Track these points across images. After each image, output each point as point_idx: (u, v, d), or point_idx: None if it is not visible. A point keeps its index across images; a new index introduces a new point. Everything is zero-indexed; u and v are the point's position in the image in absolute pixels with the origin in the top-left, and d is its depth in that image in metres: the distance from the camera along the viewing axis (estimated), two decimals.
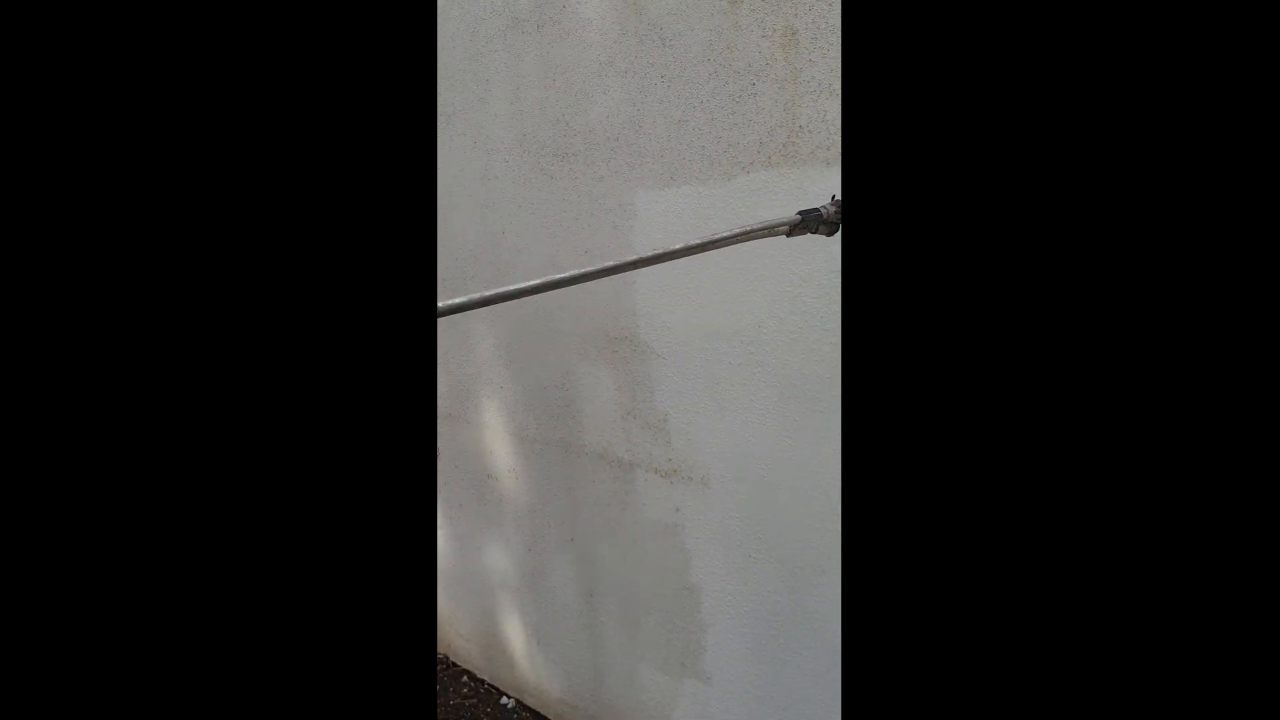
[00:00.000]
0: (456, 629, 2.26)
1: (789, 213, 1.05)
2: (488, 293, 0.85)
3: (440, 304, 0.72)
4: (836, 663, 1.38)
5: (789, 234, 1.01)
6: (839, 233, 1.04)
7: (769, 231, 0.99)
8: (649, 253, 0.93)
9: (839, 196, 1.05)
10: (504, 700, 2.13)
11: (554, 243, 1.59)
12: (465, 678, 2.23)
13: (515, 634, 2.04)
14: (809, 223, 1.01)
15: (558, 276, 0.89)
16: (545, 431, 1.75)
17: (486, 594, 2.07)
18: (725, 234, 0.96)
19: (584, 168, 1.49)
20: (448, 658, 2.33)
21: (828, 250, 1.20)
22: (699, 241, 0.95)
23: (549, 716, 2.02)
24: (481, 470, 1.94)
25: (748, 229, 0.96)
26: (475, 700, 2.15)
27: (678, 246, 0.94)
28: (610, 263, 0.91)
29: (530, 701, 2.07)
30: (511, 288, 0.85)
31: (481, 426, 1.90)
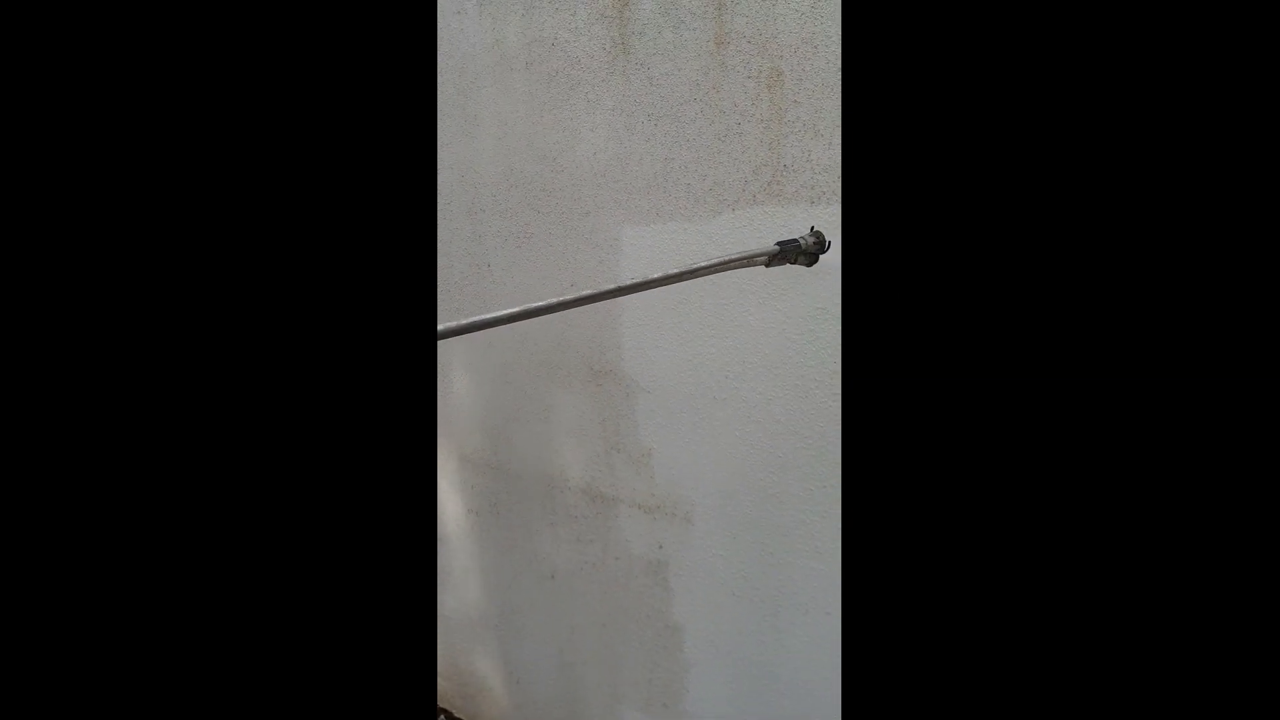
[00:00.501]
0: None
1: (768, 245, 1.08)
2: (477, 317, 0.87)
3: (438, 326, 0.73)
4: (820, 703, 1.36)
5: (768, 264, 1.04)
6: (817, 264, 1.06)
7: (748, 261, 1.01)
8: (628, 281, 0.97)
9: (817, 228, 1.08)
10: None
11: (540, 276, 1.59)
12: (442, 716, 2.19)
13: (493, 671, 2.01)
14: (788, 253, 1.04)
15: (543, 303, 0.91)
16: (528, 465, 1.74)
17: (465, 630, 2.04)
18: (704, 263, 0.99)
19: (571, 203, 1.50)
20: None
21: (812, 287, 1.21)
22: (678, 271, 0.98)
23: None
24: (464, 505, 1.93)
25: (727, 259, 0.99)
26: None
27: (656, 275, 0.97)
28: (592, 290, 0.94)
29: None
30: (500, 313, 0.87)
31: (464, 460, 1.89)
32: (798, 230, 1.18)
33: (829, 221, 1.17)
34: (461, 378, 1.82)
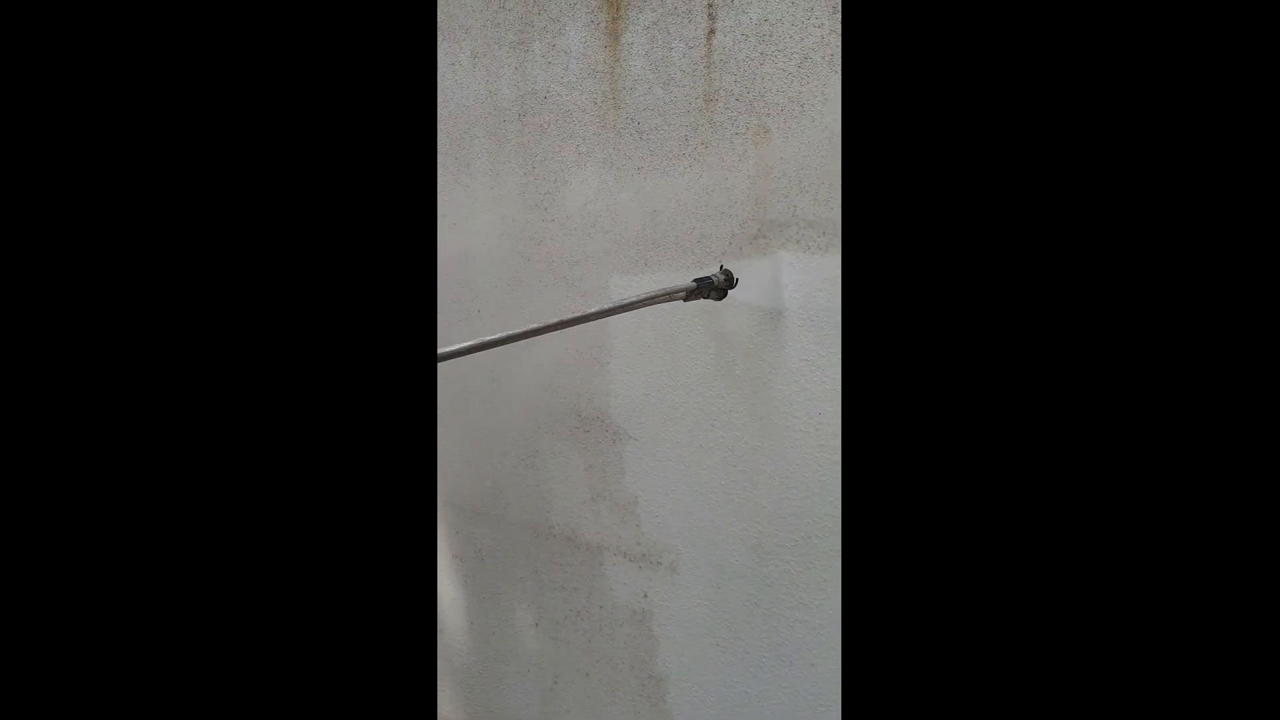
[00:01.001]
0: None
1: (754, 298, 1.26)
2: (464, 344, 1.05)
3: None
4: None
5: (685, 299, 1.24)
6: (726, 299, 1.27)
7: (668, 296, 1.22)
8: (571, 315, 1.18)
9: (725, 267, 1.28)
10: None
11: (530, 323, 1.60)
12: None
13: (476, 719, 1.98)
14: (702, 289, 1.25)
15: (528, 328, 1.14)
16: (513, 512, 1.74)
17: (448, 676, 2.02)
18: (633, 298, 1.20)
19: (560, 252, 1.52)
20: None
21: (798, 340, 1.23)
22: (612, 305, 1.20)
23: None
24: (448, 551, 1.92)
25: (652, 294, 1.22)
26: None
27: (592, 310, 1.19)
28: (537, 324, 1.16)
29: None
30: (486, 338, 1.09)
31: (449, 505, 1.88)
32: (783, 282, 1.21)
33: (815, 274, 1.19)
34: (448, 422, 1.83)
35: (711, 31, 1.27)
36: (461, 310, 1.73)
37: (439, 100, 1.68)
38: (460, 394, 1.78)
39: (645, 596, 1.52)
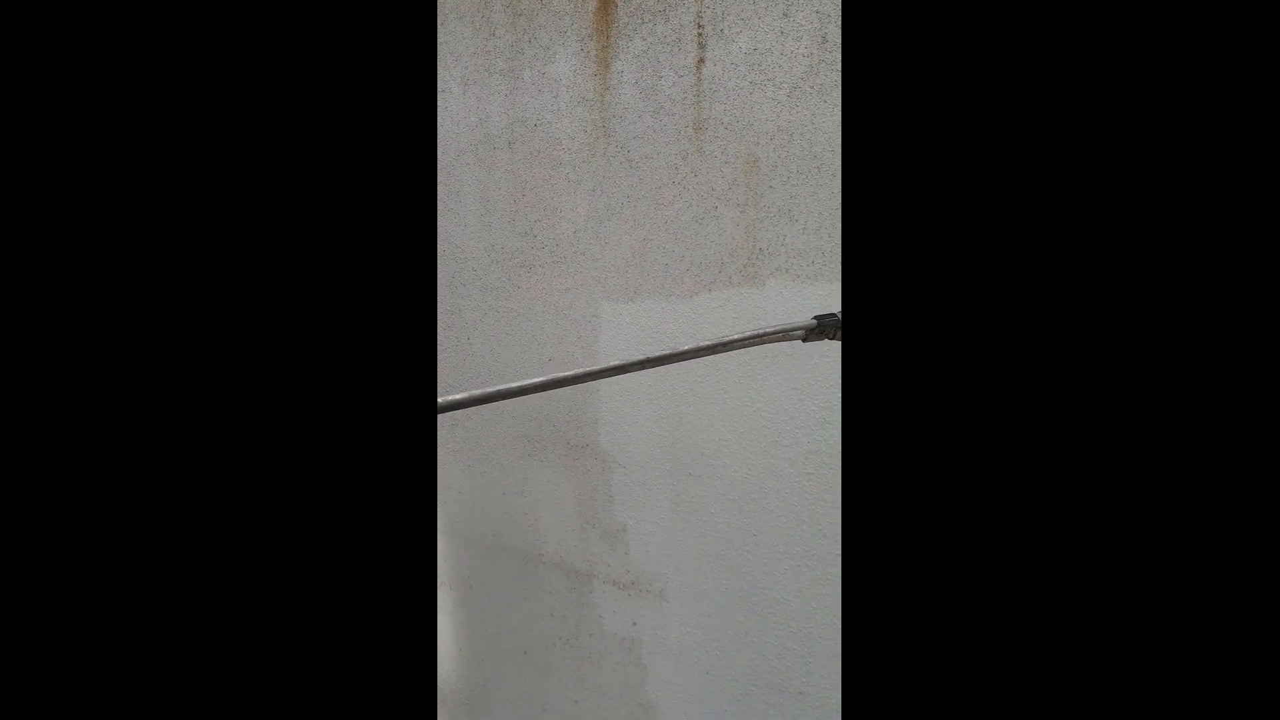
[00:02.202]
0: None
1: (753, 325, 1.12)
2: (478, 392, 0.86)
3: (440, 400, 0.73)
4: None
5: (804, 339, 1.04)
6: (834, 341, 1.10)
7: (784, 336, 1.02)
8: (657, 353, 0.95)
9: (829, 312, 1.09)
10: None
11: (519, 350, 1.60)
12: None
13: None
14: (825, 328, 1.05)
15: (561, 375, 0.88)
16: (503, 539, 1.73)
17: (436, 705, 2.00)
18: (736, 336, 0.98)
19: (550, 279, 1.52)
20: None
21: (788, 368, 1.23)
22: (710, 343, 0.97)
23: None
24: (438, 578, 1.90)
25: (762, 332, 0.99)
26: None
27: (687, 347, 0.96)
28: (614, 363, 0.93)
29: None
30: (510, 385, 0.85)
31: (438, 533, 1.87)
32: (773, 311, 1.21)
33: (804, 302, 1.19)
34: (442, 449, 1.82)
35: (701, 60, 1.28)
36: (452, 338, 1.73)
37: None
38: (450, 421, 1.77)
39: (634, 624, 1.51)
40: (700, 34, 1.28)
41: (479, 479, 1.75)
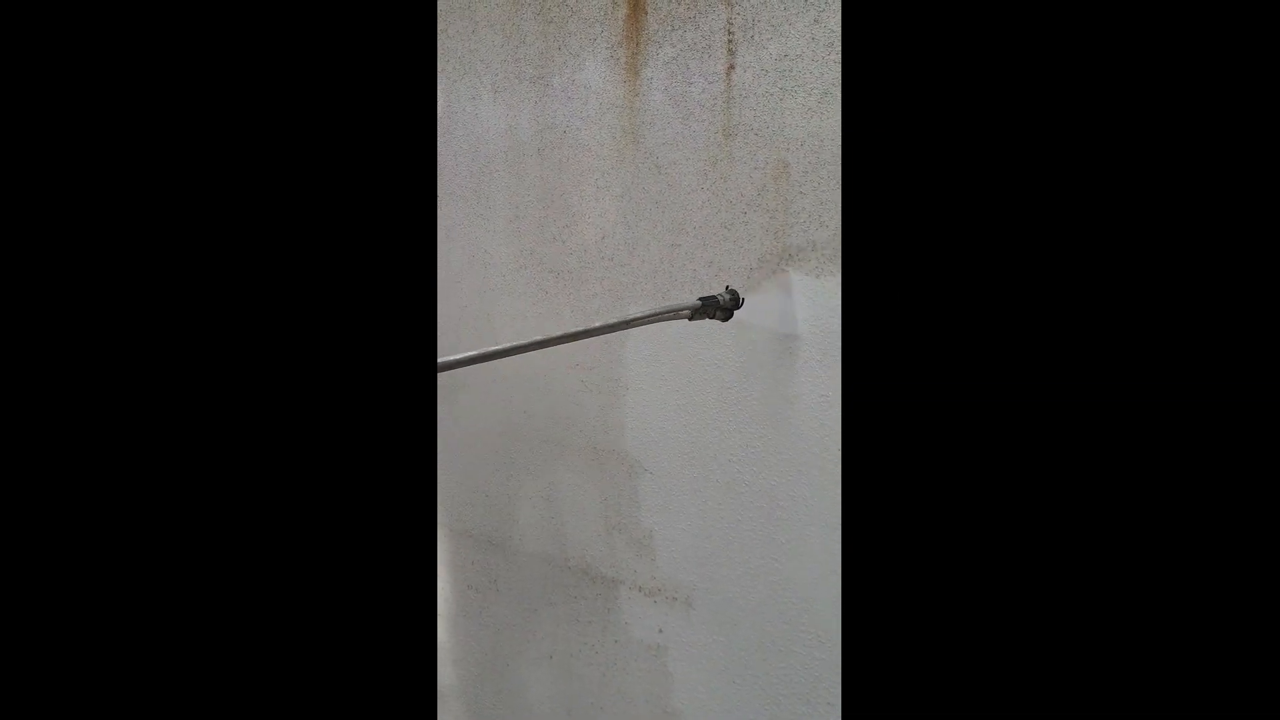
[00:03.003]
0: None
1: (773, 328, 1.26)
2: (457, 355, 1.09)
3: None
4: None
5: (690, 318, 1.24)
6: (730, 319, 1.27)
7: (674, 314, 1.23)
8: (576, 329, 1.21)
9: (731, 286, 1.29)
10: None
11: (545, 354, 1.61)
12: None
13: None
14: (708, 308, 1.24)
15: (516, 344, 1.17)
16: (527, 543, 1.73)
17: (460, 706, 2.01)
18: (639, 315, 1.21)
19: (578, 285, 1.52)
20: None
21: (818, 376, 1.23)
22: (617, 321, 1.21)
23: None
24: (463, 582, 1.91)
25: (657, 311, 1.22)
26: None
27: (596, 325, 1.21)
28: (538, 337, 1.18)
29: None
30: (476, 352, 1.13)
31: (463, 535, 1.88)
32: (800, 317, 1.21)
33: (833, 309, 1.19)
34: (464, 453, 1.83)
35: (731, 67, 1.28)
36: (480, 344, 1.73)
37: (458, 135, 1.70)
38: (476, 425, 1.78)
39: (660, 631, 1.51)
40: (730, 40, 1.28)
41: (505, 483, 1.75)
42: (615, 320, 1.20)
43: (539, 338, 1.16)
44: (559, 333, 1.18)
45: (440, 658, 2.05)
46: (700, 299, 1.24)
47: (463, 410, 1.80)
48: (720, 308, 1.25)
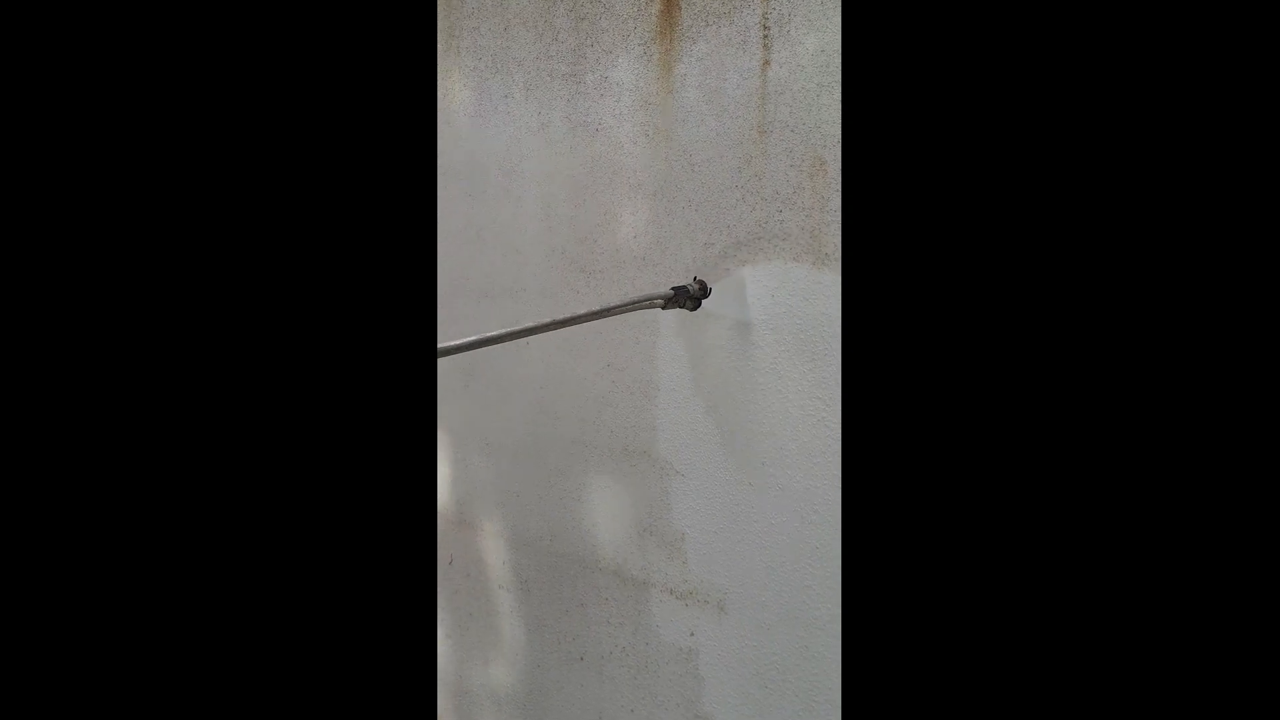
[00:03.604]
0: None
1: (806, 329, 1.11)
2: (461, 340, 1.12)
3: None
4: None
5: (664, 306, 1.33)
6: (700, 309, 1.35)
7: (649, 303, 1.32)
8: (547, 319, 1.25)
9: (699, 277, 1.36)
10: None
11: (577, 356, 1.60)
12: None
13: None
14: (679, 298, 1.33)
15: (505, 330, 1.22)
16: (558, 544, 1.72)
17: (493, 708, 2.01)
18: (616, 304, 1.30)
19: (609, 284, 1.51)
20: None
21: None
22: (593, 310, 1.29)
23: None
24: (493, 580, 1.91)
25: (634, 300, 1.31)
26: None
27: (571, 314, 1.28)
28: (517, 327, 1.24)
29: None
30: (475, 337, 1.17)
31: (495, 536, 1.87)
32: (836, 319, 1.18)
33: None
34: (495, 452, 1.82)
35: (767, 63, 1.26)
36: (514, 343, 1.73)
37: (490, 133, 1.69)
38: (507, 425, 1.78)
39: (692, 635, 1.49)
40: (766, 35, 1.26)
41: (536, 483, 1.74)
42: (594, 309, 1.29)
43: (526, 325, 1.24)
44: (546, 320, 1.26)
45: (469, 657, 2.05)
46: (673, 288, 1.33)
47: (491, 411, 1.80)
48: (690, 297, 1.33)
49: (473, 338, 1.13)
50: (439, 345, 0.94)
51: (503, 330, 1.20)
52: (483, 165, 1.73)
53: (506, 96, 1.65)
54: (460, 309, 1.82)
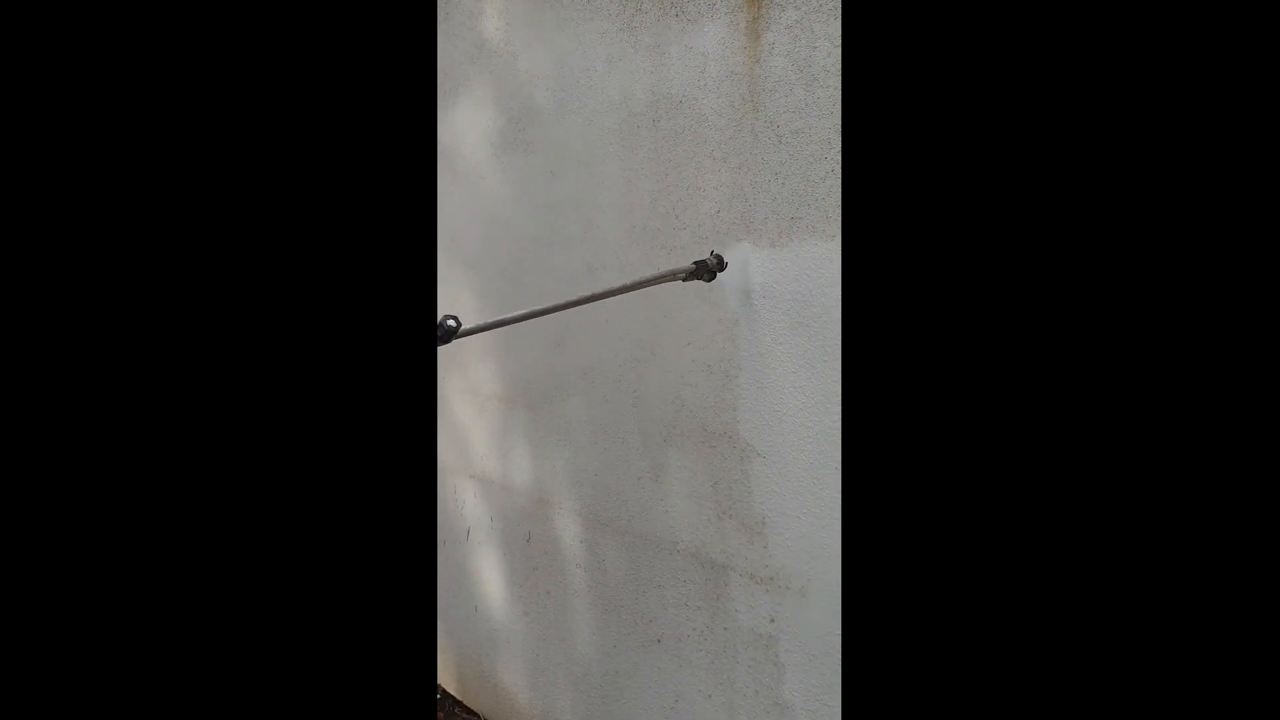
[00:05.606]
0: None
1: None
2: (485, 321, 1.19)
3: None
4: None
5: (685, 279, 1.38)
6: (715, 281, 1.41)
7: (672, 276, 1.38)
8: (579, 295, 1.33)
9: (716, 251, 1.41)
10: None
11: (655, 330, 1.57)
12: None
13: None
14: (699, 271, 1.39)
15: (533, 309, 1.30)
16: (636, 525, 1.70)
17: (570, 687, 2.01)
18: (647, 277, 1.37)
19: (691, 259, 1.47)
20: None
21: None
22: (619, 285, 1.35)
23: None
24: (571, 560, 1.91)
25: (661, 274, 1.38)
26: None
27: (599, 290, 1.34)
28: (548, 304, 1.30)
29: None
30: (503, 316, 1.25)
31: (573, 514, 1.87)
32: None
33: None
34: (576, 430, 1.81)
35: None
36: (589, 317, 1.71)
37: (571, 107, 1.67)
38: (588, 404, 1.76)
39: (772, 621, 1.46)
40: None
41: (614, 464, 1.73)
42: (621, 285, 1.35)
43: (541, 306, 1.29)
44: (561, 301, 1.32)
45: (546, 635, 2.06)
46: (694, 262, 1.39)
47: (575, 388, 1.78)
48: (708, 270, 1.39)
49: (490, 320, 1.19)
50: (460, 328, 1.01)
51: (519, 312, 1.25)
52: (560, 142, 1.71)
53: (588, 70, 1.62)
54: (535, 284, 1.81)
